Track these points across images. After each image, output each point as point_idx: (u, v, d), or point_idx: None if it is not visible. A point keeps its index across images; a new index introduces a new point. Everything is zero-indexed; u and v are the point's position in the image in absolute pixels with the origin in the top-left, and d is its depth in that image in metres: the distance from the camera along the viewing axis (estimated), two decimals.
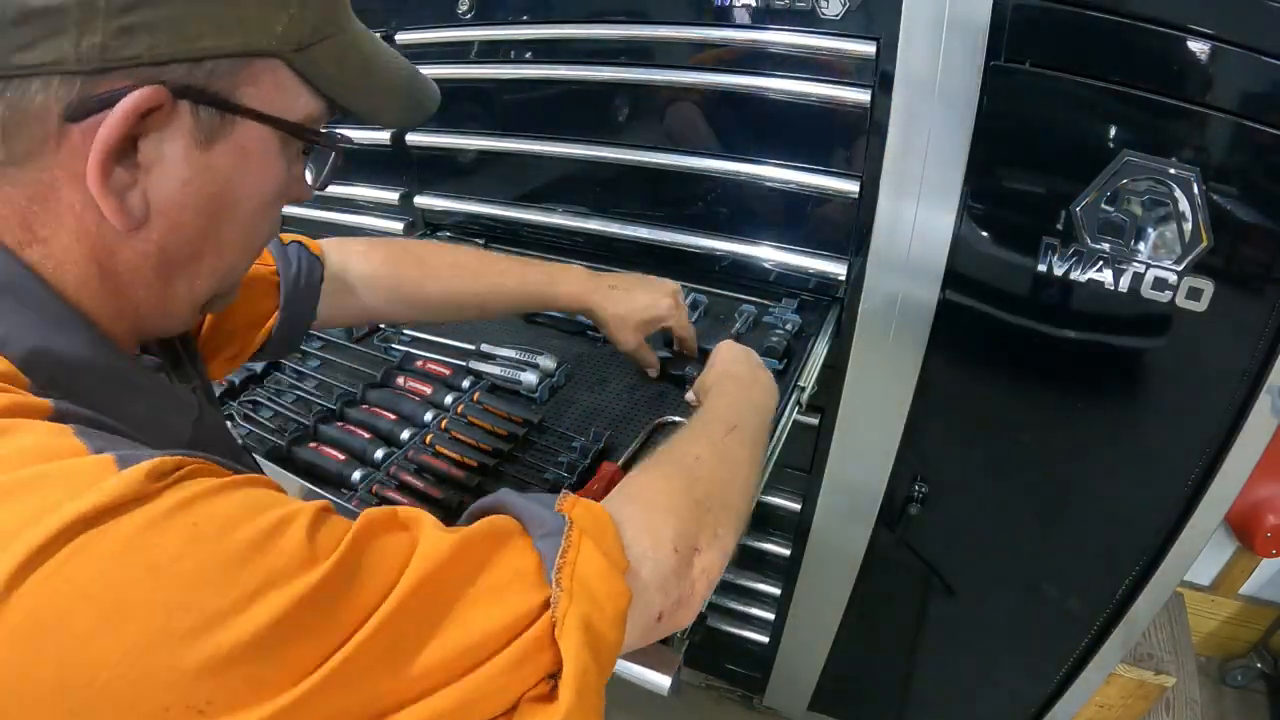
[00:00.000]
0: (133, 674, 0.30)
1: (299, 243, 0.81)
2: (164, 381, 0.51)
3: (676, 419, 0.97)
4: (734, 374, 0.84)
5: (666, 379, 1.05)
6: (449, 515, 0.83)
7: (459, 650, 0.38)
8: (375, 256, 0.88)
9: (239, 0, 0.41)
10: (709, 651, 1.82)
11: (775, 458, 0.90)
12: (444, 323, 1.08)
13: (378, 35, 0.50)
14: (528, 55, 1.32)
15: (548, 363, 1.06)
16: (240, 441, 0.72)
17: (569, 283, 0.96)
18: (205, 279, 0.48)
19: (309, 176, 0.53)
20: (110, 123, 0.38)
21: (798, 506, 1.44)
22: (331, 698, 0.33)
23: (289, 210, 0.56)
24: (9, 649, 0.29)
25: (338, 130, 0.52)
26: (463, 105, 1.44)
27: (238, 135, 0.43)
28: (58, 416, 0.37)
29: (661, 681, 0.61)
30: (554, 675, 0.41)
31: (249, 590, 0.32)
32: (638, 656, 0.62)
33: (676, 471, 0.58)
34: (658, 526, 0.50)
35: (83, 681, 0.29)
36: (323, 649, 0.33)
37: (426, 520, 0.42)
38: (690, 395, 0.91)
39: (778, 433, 0.93)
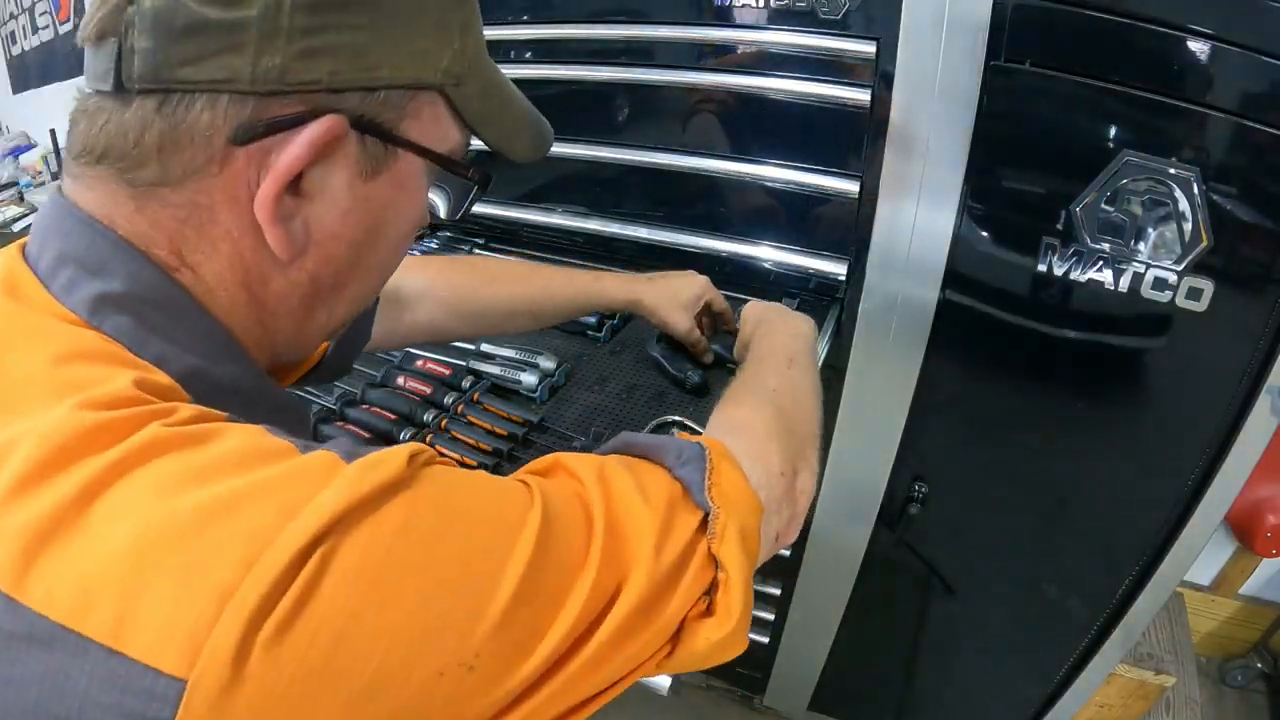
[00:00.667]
0: (419, 643, 0.31)
1: None
2: (303, 411, 0.50)
3: (677, 419, 0.97)
4: (768, 319, 0.86)
5: (718, 364, 1.06)
6: None
7: (649, 586, 0.39)
8: (430, 268, 0.90)
9: (417, 32, 0.41)
10: None
11: None
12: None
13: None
14: (528, 55, 1.32)
15: (547, 363, 1.06)
16: None
17: (612, 280, 1.00)
18: (344, 307, 0.48)
19: (443, 207, 0.54)
20: (291, 152, 0.37)
21: None
22: (570, 647, 0.36)
23: None
24: (309, 641, 0.29)
25: (483, 169, 0.52)
26: None
27: (397, 167, 0.43)
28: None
29: (661, 681, 0.61)
30: (708, 592, 0.43)
31: (501, 558, 0.34)
32: None
33: (763, 403, 0.61)
34: (767, 453, 0.53)
35: (376, 655, 0.30)
36: (553, 606, 0.36)
37: (580, 466, 0.44)
38: (737, 353, 0.93)
39: None
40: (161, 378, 0.37)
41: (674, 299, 0.99)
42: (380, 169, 0.42)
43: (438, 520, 0.34)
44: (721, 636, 0.43)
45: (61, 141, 2.70)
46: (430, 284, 0.88)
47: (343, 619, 0.30)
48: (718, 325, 1.08)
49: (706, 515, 0.44)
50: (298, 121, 0.37)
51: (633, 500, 0.42)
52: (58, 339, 0.36)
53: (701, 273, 1.29)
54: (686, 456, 0.46)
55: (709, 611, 0.43)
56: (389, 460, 0.34)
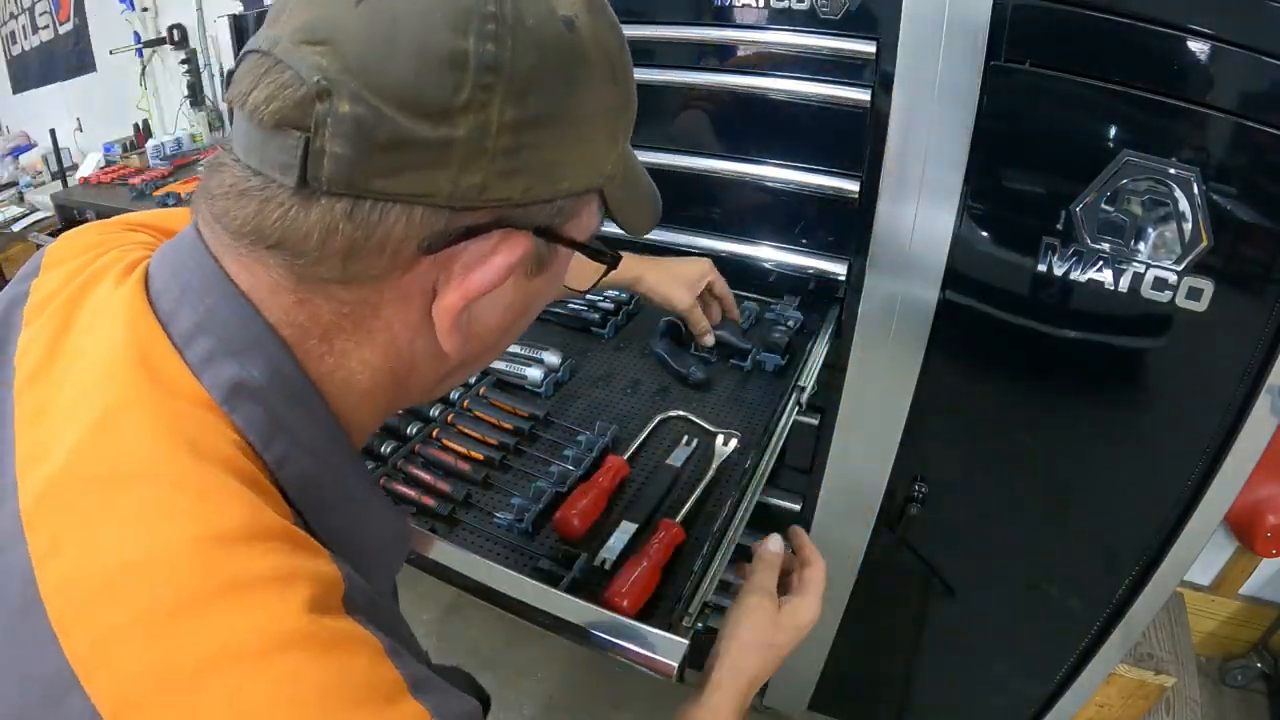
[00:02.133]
0: None
1: None
2: (388, 502, 0.49)
3: (681, 414, 0.98)
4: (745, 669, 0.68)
5: (720, 347, 1.09)
6: (456, 508, 0.84)
7: None
8: None
9: (595, 140, 0.42)
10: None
11: (775, 457, 0.91)
12: None
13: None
14: None
15: (552, 358, 1.07)
16: None
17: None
18: (471, 375, 0.51)
19: (575, 282, 0.54)
20: (487, 275, 0.39)
21: (798, 507, 1.44)
22: None
23: None
24: None
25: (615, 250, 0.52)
26: None
27: (557, 262, 0.45)
28: (350, 606, 0.36)
29: (668, 666, 0.61)
30: None
31: None
32: (643, 640, 0.63)
33: None
34: None
35: None
36: None
37: None
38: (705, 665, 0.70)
39: (778, 433, 0.93)
40: (299, 537, 0.36)
41: (675, 278, 1.01)
42: (544, 268, 0.44)
43: None
44: None
45: (62, 140, 2.70)
46: None
47: None
48: (722, 312, 1.09)
49: None
50: (481, 230, 0.38)
51: None
52: (192, 437, 0.36)
53: None
54: None
55: None
56: None
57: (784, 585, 0.73)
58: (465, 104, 0.35)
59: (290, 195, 0.36)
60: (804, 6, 1.04)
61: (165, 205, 2.15)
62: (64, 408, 0.37)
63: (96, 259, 0.44)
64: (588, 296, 1.26)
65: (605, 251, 0.48)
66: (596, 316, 1.19)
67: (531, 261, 0.42)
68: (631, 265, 1.00)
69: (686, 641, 0.62)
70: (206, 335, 0.38)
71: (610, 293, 1.27)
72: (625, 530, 0.78)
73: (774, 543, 0.74)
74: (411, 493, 0.86)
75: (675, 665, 0.61)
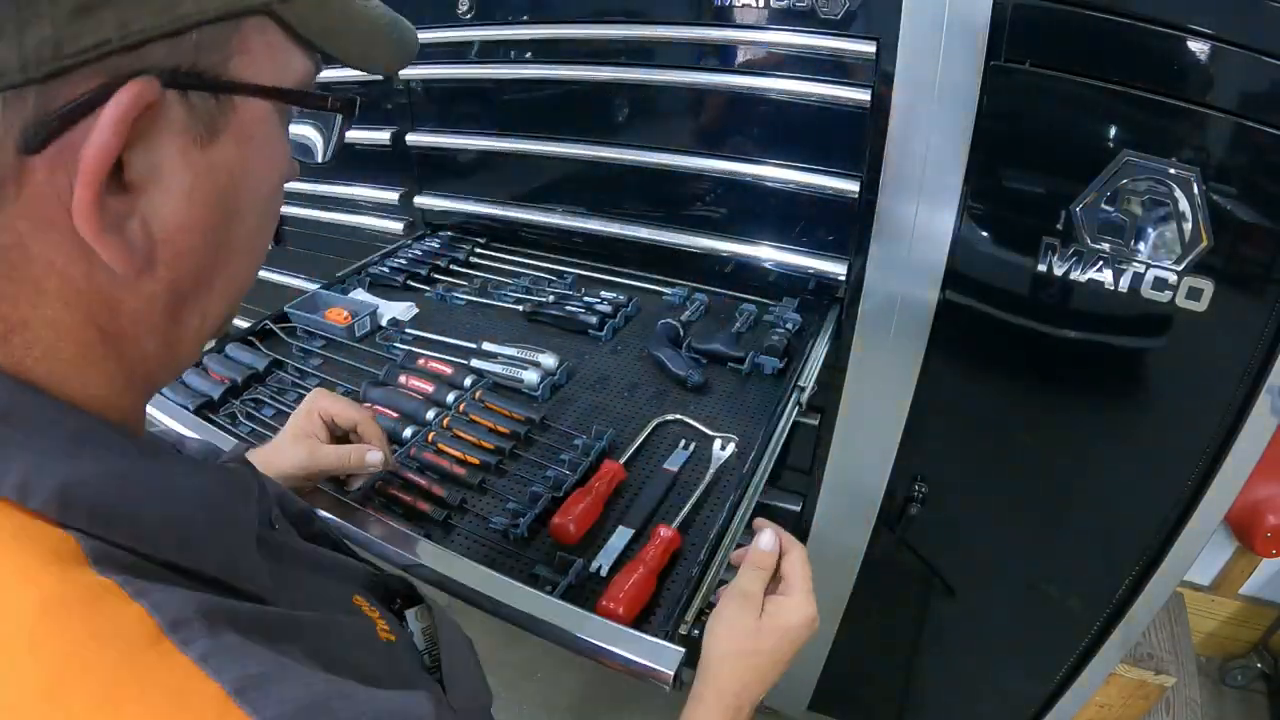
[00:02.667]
0: None
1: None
2: (207, 465, 0.42)
3: (679, 417, 0.97)
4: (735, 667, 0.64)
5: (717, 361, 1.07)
6: (451, 513, 0.84)
7: None
8: None
9: None
10: None
11: (775, 458, 0.91)
12: None
13: None
14: (528, 55, 1.32)
15: (549, 361, 1.06)
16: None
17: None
18: (218, 303, 0.38)
19: (319, 148, 0.46)
20: (96, 141, 0.29)
21: (798, 507, 1.44)
22: None
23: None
24: None
25: (347, 95, 0.42)
26: (463, 105, 1.45)
27: (238, 119, 0.34)
28: (157, 611, 0.30)
29: (664, 675, 0.61)
30: None
31: None
32: (639, 648, 0.63)
33: None
34: None
35: None
36: None
37: None
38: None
39: (778, 433, 0.93)
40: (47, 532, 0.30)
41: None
42: (217, 127, 0.34)
43: None
44: None
45: None
46: None
47: None
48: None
49: None
50: (97, 100, 0.29)
51: None
52: None
53: (703, 272, 1.30)
54: None
55: None
56: None
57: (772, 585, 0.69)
58: None
59: None
60: (804, 6, 1.03)
61: None
62: None
63: None
64: (585, 298, 1.25)
65: (314, 94, 0.38)
66: (594, 320, 1.18)
67: (191, 122, 0.32)
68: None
69: (682, 649, 0.62)
70: None
71: (607, 294, 1.26)
72: (622, 536, 0.78)
73: (766, 540, 0.69)
74: (406, 497, 0.85)
75: (671, 673, 0.60)
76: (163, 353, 0.37)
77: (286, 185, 0.41)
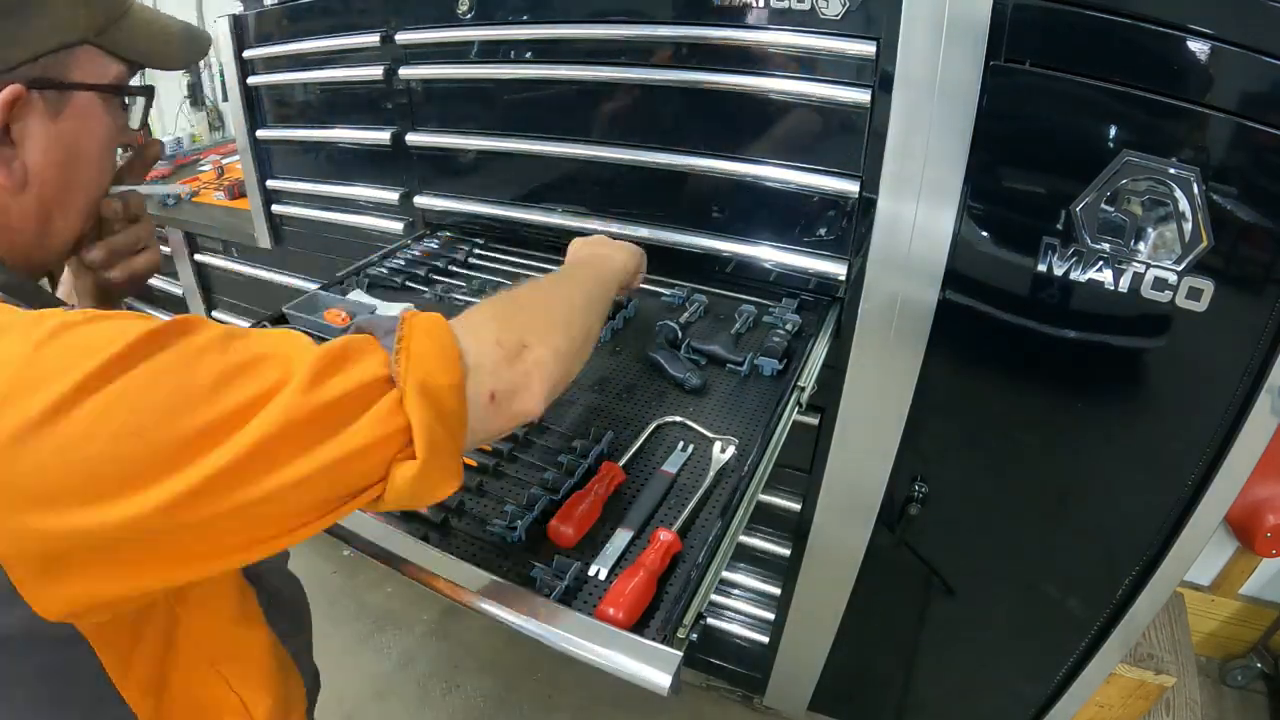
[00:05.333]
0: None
1: None
2: (55, 297, 0.67)
3: (678, 419, 0.97)
4: (583, 255, 0.99)
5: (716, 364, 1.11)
6: (449, 515, 0.84)
7: (326, 409, 0.48)
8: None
9: (48, 13, 0.56)
10: (709, 651, 1.82)
11: (775, 458, 0.91)
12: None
13: (148, 2, 0.66)
14: (527, 55, 1.32)
15: None
16: None
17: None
18: (74, 215, 0.64)
19: (134, 122, 0.68)
20: None
21: (798, 506, 1.44)
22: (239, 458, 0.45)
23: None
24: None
25: (145, 85, 0.68)
26: (463, 105, 1.44)
27: (74, 104, 0.60)
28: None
29: (661, 680, 0.61)
30: (412, 442, 0.51)
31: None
32: (636, 654, 0.63)
33: (498, 299, 0.69)
34: (479, 327, 0.61)
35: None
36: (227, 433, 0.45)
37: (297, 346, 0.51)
38: None
39: (777, 434, 0.93)
40: None
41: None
42: (62, 110, 0.59)
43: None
44: (412, 474, 0.51)
45: None
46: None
47: None
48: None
49: None
50: None
51: (298, 343, 0.51)
52: None
53: (703, 272, 1.30)
54: (388, 329, 0.54)
55: (413, 455, 0.51)
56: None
57: None
58: None
59: None
60: (804, 6, 1.03)
61: (166, 206, 2.15)
62: None
63: None
64: None
65: (121, 86, 0.63)
66: None
67: (45, 107, 0.57)
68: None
69: (680, 654, 0.62)
70: None
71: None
72: (621, 538, 0.78)
73: None
74: None
75: (669, 678, 0.60)
76: (39, 241, 0.62)
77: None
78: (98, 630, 0.54)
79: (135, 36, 0.64)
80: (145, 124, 0.70)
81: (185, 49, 0.71)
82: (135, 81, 0.67)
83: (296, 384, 0.47)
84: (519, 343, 0.61)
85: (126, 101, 0.66)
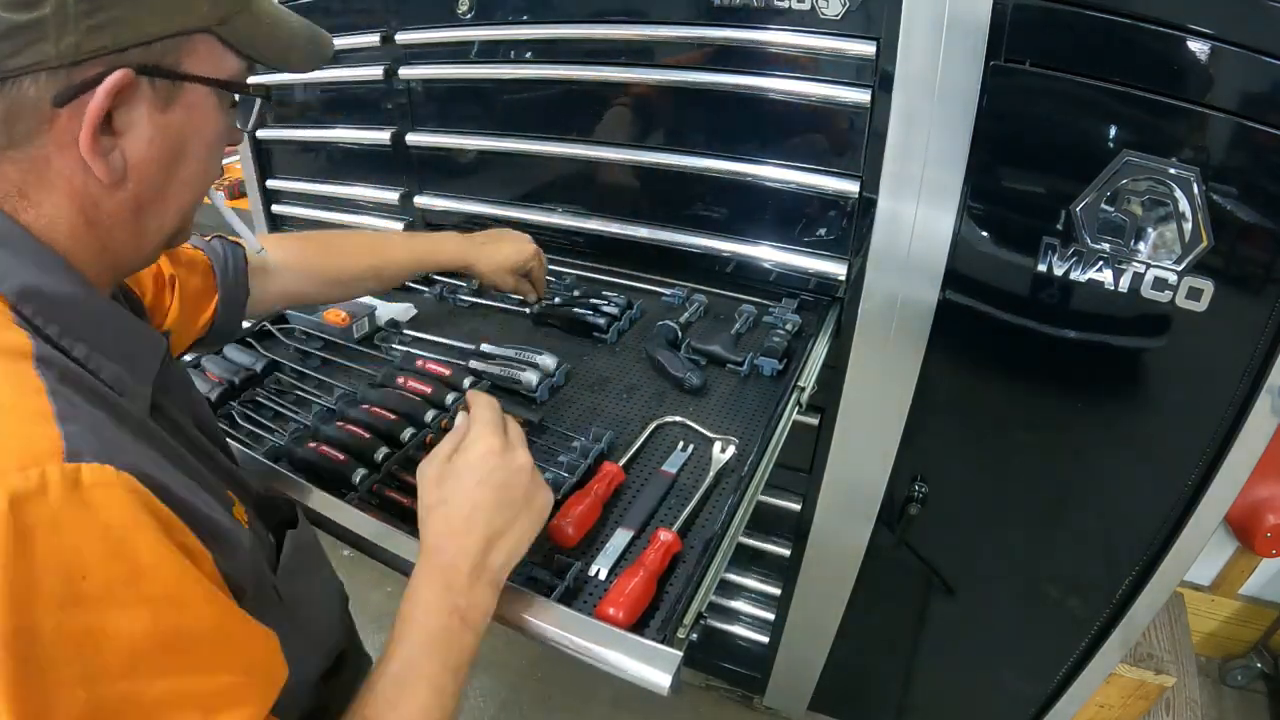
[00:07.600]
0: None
1: (220, 236, 0.93)
2: (134, 317, 0.60)
3: (678, 419, 0.97)
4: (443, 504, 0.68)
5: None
6: None
7: None
8: (288, 243, 1.03)
9: None
10: (709, 651, 1.82)
11: (775, 458, 0.90)
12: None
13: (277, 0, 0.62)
14: (528, 55, 1.32)
15: (547, 362, 1.06)
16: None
17: (448, 244, 1.13)
18: (171, 216, 0.58)
19: (240, 123, 0.63)
20: (95, 102, 0.48)
21: (798, 506, 1.44)
22: None
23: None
24: None
25: (261, 83, 0.63)
26: (462, 105, 1.44)
27: (185, 96, 0.54)
28: (40, 361, 0.46)
29: (661, 680, 0.61)
30: None
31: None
32: (636, 654, 0.63)
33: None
34: None
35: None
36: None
37: None
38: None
39: (777, 434, 0.93)
40: None
41: (502, 265, 1.13)
42: (172, 101, 0.53)
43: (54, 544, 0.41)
44: None
45: None
46: (288, 257, 1.00)
47: None
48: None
49: None
50: (99, 80, 0.48)
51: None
52: None
53: (703, 272, 1.30)
54: None
55: None
56: (61, 476, 0.42)
57: None
58: None
59: None
60: (804, 6, 1.03)
61: None
62: None
63: None
64: (590, 300, 1.25)
65: (238, 83, 0.58)
66: (601, 321, 1.18)
67: (154, 97, 0.52)
68: (462, 250, 1.12)
69: (680, 654, 0.62)
70: None
71: (615, 296, 1.26)
72: (621, 538, 0.78)
73: (459, 418, 0.75)
74: (405, 500, 0.85)
75: (669, 678, 0.60)
76: (130, 243, 0.56)
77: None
78: None
79: (258, 31, 0.58)
80: (256, 126, 0.65)
81: (308, 51, 0.64)
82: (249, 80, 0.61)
83: None
84: None
85: (237, 99, 0.60)
